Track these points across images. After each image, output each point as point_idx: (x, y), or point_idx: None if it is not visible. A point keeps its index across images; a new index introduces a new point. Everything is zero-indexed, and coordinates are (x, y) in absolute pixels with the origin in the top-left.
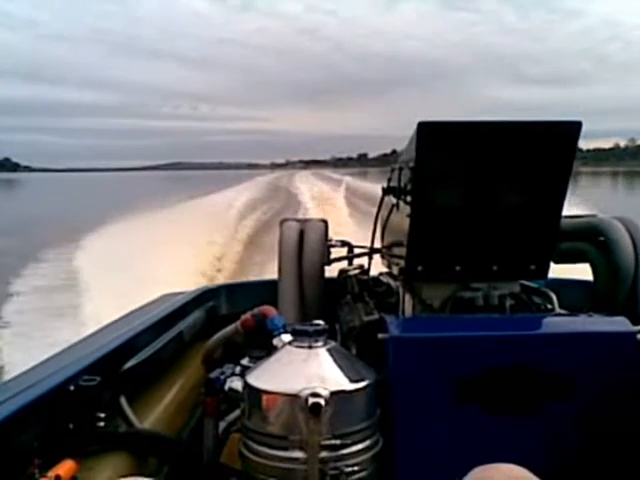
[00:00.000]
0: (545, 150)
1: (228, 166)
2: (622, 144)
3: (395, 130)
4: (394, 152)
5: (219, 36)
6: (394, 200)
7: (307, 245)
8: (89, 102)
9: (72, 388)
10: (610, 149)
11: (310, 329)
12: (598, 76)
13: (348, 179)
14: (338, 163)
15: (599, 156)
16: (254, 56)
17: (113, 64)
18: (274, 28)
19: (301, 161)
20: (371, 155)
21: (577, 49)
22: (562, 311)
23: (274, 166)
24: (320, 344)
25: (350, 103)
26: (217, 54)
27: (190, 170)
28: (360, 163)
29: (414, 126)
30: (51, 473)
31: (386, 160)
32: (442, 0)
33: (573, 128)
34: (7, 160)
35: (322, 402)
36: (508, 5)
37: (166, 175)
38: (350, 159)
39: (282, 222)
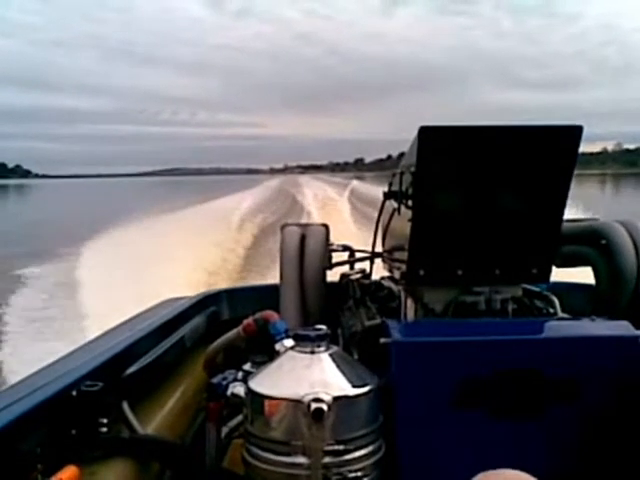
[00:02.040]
0: (546, 154)
1: (227, 172)
2: (610, 148)
3: (392, 134)
4: (389, 157)
5: (216, 42)
6: (395, 204)
7: (308, 250)
8: (86, 108)
9: (74, 393)
10: (598, 153)
11: (312, 334)
12: (595, 79)
13: (355, 183)
14: (335, 168)
15: (585, 159)
16: (251, 61)
17: (110, 70)
18: (271, 33)
19: (299, 166)
20: (367, 160)
21: (574, 53)
22: (564, 315)
23: (273, 171)
24: (322, 349)
25: (347, 107)
26: (214, 59)
27: (189, 176)
28: (357, 168)
29: (411, 130)
30: (54, 479)
31: (382, 165)
32: (438, 5)
33: (574, 132)
34: (19, 167)
35: (325, 407)
36: (504, 9)
37: (167, 181)
38: (347, 164)
39: (283, 227)
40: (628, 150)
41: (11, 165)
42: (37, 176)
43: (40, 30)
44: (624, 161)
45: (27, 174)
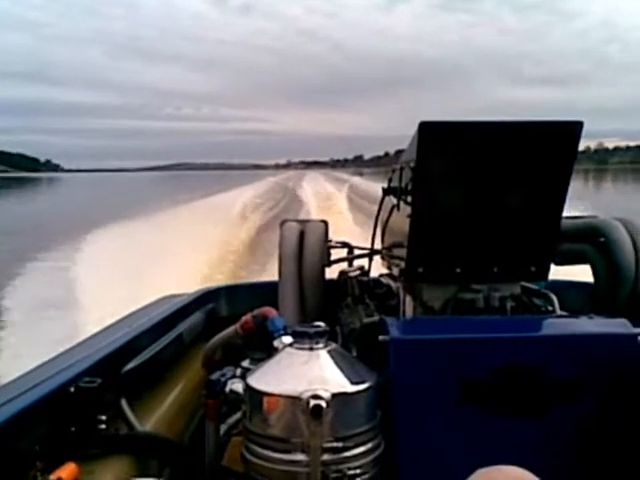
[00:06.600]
0: (546, 150)
1: (233, 167)
2: (592, 146)
3: (393, 131)
4: (387, 154)
5: (219, 37)
6: (395, 201)
7: (307, 246)
8: (92, 103)
9: (73, 390)
10: (581, 152)
11: (311, 331)
12: (598, 76)
13: (356, 179)
14: (336, 164)
15: None
16: (254, 57)
17: (115, 65)
18: (274, 29)
19: (302, 162)
20: (366, 157)
21: (576, 50)
22: (563, 313)
23: (277, 167)
24: (321, 346)
25: (348, 104)
26: (218, 55)
27: (195, 170)
28: (356, 164)
29: (413, 127)
30: (53, 476)
31: (380, 162)
32: (440, 2)
33: (574, 128)
34: (49, 162)
35: (323, 404)
36: (507, 6)
37: (178, 175)
38: (347, 160)
39: (282, 223)
40: (607, 150)
41: (42, 159)
42: (63, 170)
43: (47, 25)
44: (596, 159)
45: (56, 168)
